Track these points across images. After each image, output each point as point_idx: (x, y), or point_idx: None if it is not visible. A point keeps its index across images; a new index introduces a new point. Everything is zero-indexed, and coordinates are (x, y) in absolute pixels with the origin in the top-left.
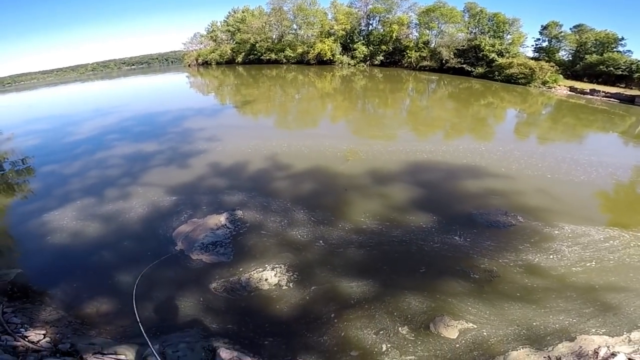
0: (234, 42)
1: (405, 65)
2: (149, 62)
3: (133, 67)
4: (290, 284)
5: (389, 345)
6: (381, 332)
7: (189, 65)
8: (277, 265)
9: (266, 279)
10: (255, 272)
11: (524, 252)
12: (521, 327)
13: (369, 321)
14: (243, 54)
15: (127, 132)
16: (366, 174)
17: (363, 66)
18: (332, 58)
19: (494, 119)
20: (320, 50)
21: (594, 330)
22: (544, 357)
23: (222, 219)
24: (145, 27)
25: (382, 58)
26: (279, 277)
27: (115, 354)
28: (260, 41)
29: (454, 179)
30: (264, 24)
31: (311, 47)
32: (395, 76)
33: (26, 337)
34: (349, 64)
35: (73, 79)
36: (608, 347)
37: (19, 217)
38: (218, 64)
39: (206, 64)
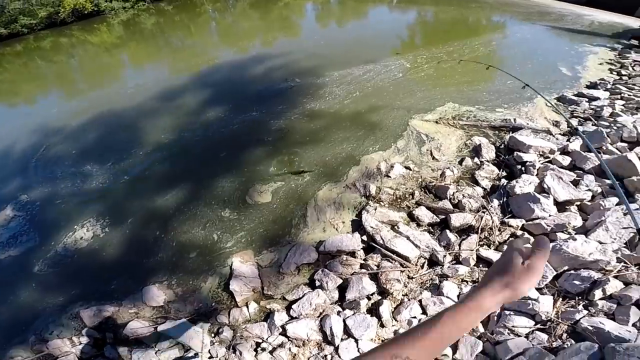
0: None
1: None
2: None
3: None
4: (106, 229)
5: (219, 233)
6: (208, 224)
7: None
8: (85, 221)
9: (81, 237)
10: (67, 238)
11: (305, 104)
12: (318, 166)
13: (194, 221)
14: None
15: None
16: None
17: (144, 4)
18: (97, 9)
19: (295, 15)
20: (75, 5)
21: (370, 149)
22: (343, 186)
23: (8, 212)
24: None
25: None
26: (92, 229)
27: None
28: None
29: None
30: None
31: (59, 5)
32: (188, 3)
33: None
34: (123, 8)
35: None
36: (385, 160)
37: None
38: None
39: None
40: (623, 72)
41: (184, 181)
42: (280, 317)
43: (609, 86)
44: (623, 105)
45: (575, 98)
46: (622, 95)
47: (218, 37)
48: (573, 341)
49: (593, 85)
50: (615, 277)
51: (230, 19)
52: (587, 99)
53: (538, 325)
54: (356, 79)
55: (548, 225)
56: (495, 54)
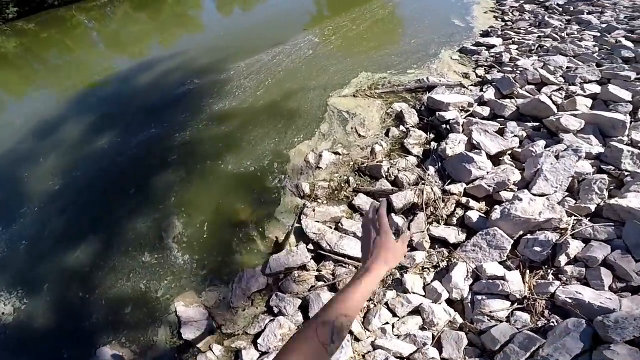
0: None
1: (57, 3)
2: None
3: None
4: (25, 300)
5: (145, 281)
6: (131, 274)
7: None
8: None
9: (2, 313)
10: None
11: (212, 105)
12: (244, 178)
13: (115, 274)
14: None
15: None
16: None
17: None
18: None
19: (192, 9)
20: None
21: (296, 140)
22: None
23: None
24: None
25: (16, 9)
26: (10, 303)
27: None
28: None
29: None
30: None
31: None
32: (54, 18)
33: None
34: None
35: None
36: (313, 150)
37: None
38: None
39: None
40: (506, 18)
41: (91, 232)
42: (249, 356)
43: (499, 33)
44: (517, 49)
45: (475, 48)
46: (513, 40)
47: (106, 47)
48: (558, 317)
49: (486, 34)
50: (572, 235)
51: (114, 27)
52: (485, 47)
53: (515, 305)
54: (266, 65)
55: (489, 186)
56: (394, 15)
